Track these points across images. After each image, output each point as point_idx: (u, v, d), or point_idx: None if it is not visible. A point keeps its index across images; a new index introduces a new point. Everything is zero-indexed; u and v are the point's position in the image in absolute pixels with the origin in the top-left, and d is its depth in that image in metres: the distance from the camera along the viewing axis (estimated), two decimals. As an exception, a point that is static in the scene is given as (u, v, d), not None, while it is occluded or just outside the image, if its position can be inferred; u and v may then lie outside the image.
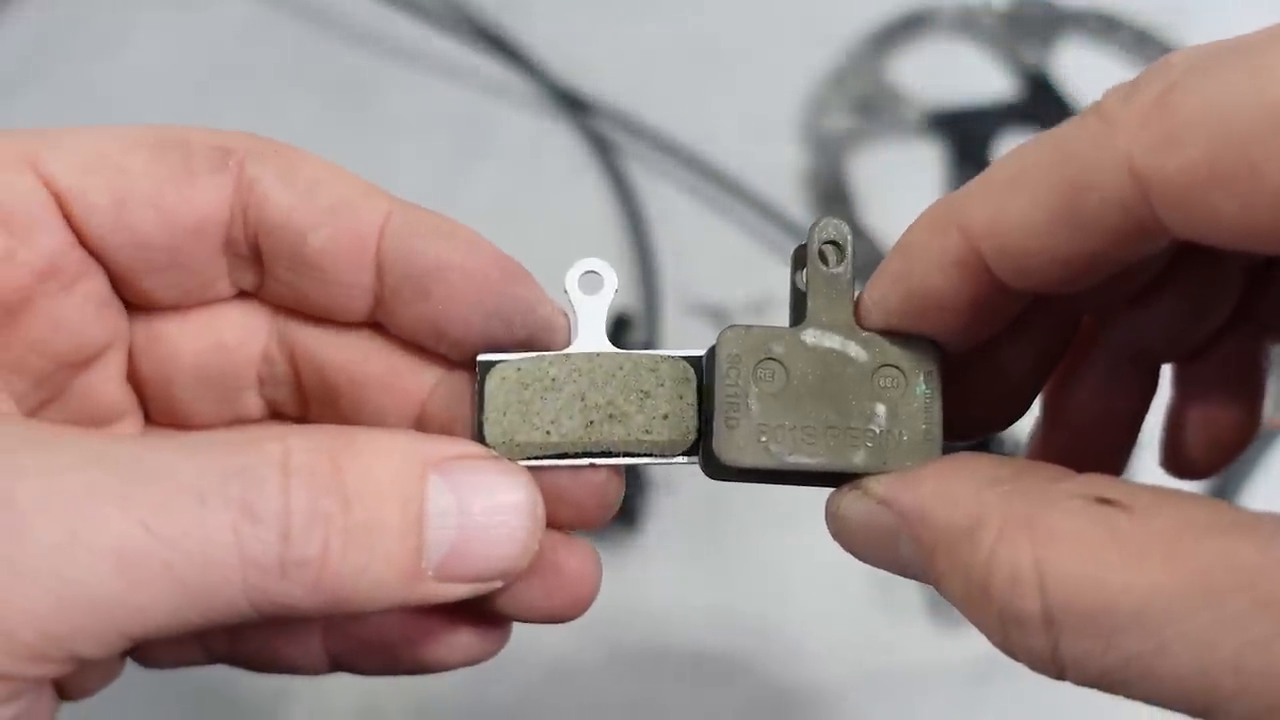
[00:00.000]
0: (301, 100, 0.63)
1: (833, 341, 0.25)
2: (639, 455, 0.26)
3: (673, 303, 0.55)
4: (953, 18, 0.64)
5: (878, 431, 0.25)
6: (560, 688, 0.48)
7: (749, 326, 0.25)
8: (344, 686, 0.47)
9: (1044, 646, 0.21)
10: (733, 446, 0.25)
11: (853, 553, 0.25)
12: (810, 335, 0.25)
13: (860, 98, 0.61)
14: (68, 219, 0.25)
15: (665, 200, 0.59)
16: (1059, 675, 0.21)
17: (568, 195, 0.60)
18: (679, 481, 0.51)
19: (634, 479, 0.50)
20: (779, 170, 0.59)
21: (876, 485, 0.24)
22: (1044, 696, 0.46)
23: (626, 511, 0.49)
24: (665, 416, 0.26)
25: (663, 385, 0.26)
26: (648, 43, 0.64)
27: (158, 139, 0.26)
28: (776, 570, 0.49)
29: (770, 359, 0.25)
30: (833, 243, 0.26)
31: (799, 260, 0.26)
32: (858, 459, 0.25)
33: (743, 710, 0.47)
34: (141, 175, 0.25)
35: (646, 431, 0.26)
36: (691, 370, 0.26)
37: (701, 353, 0.26)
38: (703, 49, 0.64)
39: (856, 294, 0.26)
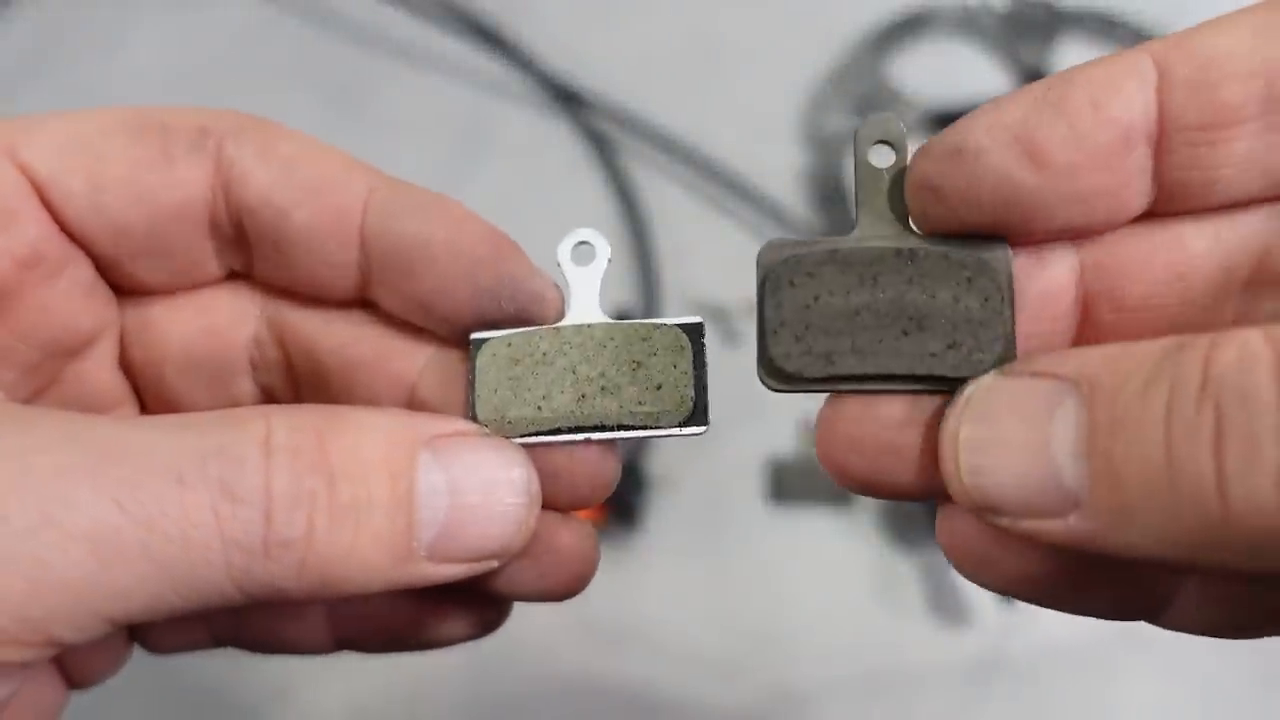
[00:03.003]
0: (301, 100, 0.63)
1: (883, 244, 0.24)
2: (633, 428, 0.25)
3: (673, 303, 0.55)
4: (952, 18, 0.64)
5: (950, 338, 0.23)
6: (559, 686, 0.48)
7: (786, 241, 0.24)
8: (340, 688, 0.47)
9: (1270, 423, 0.17)
10: (788, 356, 0.23)
11: (981, 446, 0.21)
12: (859, 243, 0.24)
13: (860, 98, 0.61)
14: (47, 207, 0.25)
15: (665, 199, 0.59)
16: (1278, 471, 0.17)
17: (568, 193, 0.60)
18: (679, 480, 0.51)
19: (634, 478, 0.50)
20: (779, 169, 0.59)
21: (1026, 364, 0.22)
22: (1044, 696, 0.46)
23: (626, 511, 0.49)
24: (659, 387, 0.25)
25: (655, 355, 0.25)
26: (648, 41, 0.64)
27: (135, 121, 0.26)
28: (776, 570, 0.49)
29: (812, 271, 0.24)
30: (884, 142, 0.24)
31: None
32: (937, 364, 0.23)
33: (742, 709, 0.47)
34: (118, 160, 0.25)
35: (640, 403, 0.25)
36: (685, 338, 0.26)
37: (695, 319, 0.26)
38: (703, 48, 0.64)
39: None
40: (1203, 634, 0.24)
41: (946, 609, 0.48)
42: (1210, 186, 0.22)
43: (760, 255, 0.24)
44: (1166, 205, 0.23)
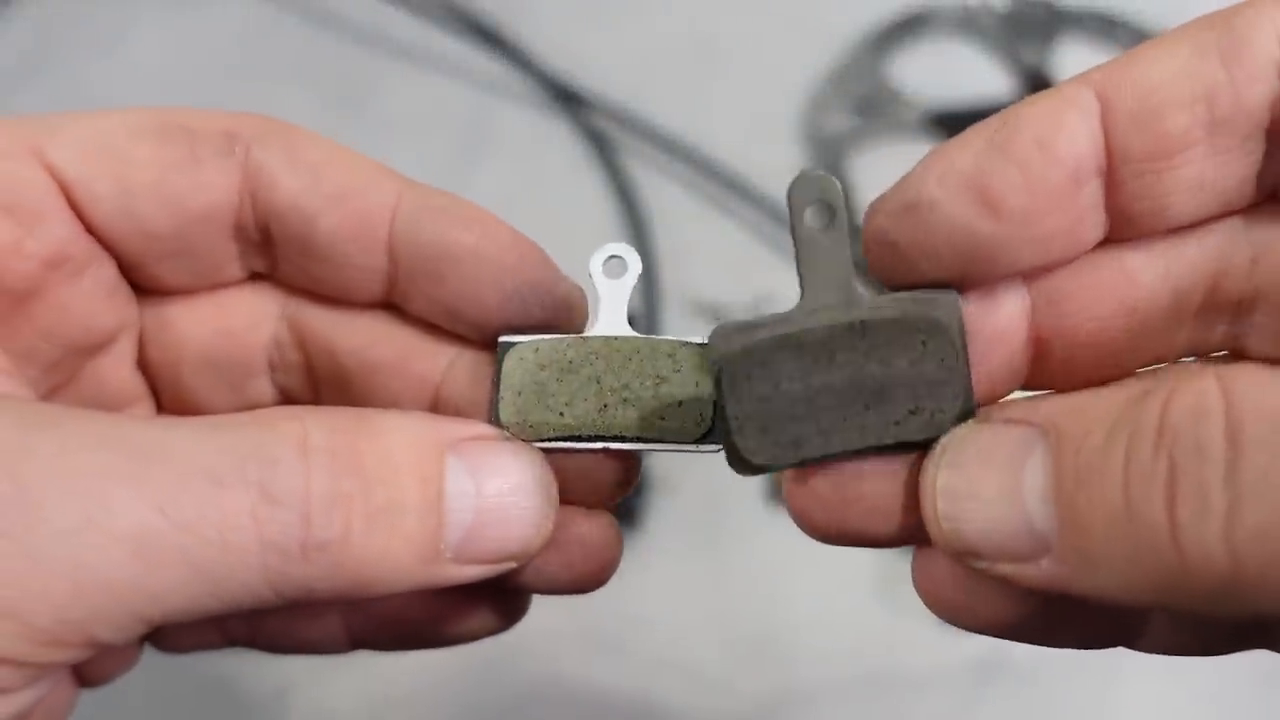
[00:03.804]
0: (301, 100, 0.63)
1: (834, 320, 0.23)
2: (652, 441, 0.26)
3: (673, 302, 0.55)
4: (952, 18, 0.64)
5: (912, 404, 0.23)
6: (559, 687, 0.48)
7: (735, 325, 0.24)
8: (341, 688, 0.47)
9: (1219, 474, 0.18)
10: (757, 450, 0.23)
11: (958, 494, 0.22)
12: (808, 317, 0.23)
13: (860, 98, 0.61)
14: (73, 208, 0.25)
15: (665, 199, 0.59)
16: (1227, 518, 0.18)
17: (568, 193, 0.60)
18: (679, 481, 0.51)
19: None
20: (779, 169, 0.59)
21: (1001, 412, 0.22)
22: (1043, 696, 0.46)
23: (626, 512, 0.49)
24: (680, 403, 0.26)
25: (679, 371, 0.26)
26: (647, 41, 0.64)
27: (162, 123, 0.26)
28: (776, 570, 0.49)
29: (766, 361, 0.23)
30: (820, 201, 0.24)
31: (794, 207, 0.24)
32: (901, 432, 0.23)
33: (742, 710, 0.47)
34: (146, 163, 0.25)
35: (660, 417, 0.26)
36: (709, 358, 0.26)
37: None
38: (702, 47, 0.64)
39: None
40: (1176, 654, 0.24)
41: (947, 609, 0.48)
42: (1162, 213, 0.22)
43: (712, 342, 0.24)
44: (1120, 234, 0.23)
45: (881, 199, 0.23)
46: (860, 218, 0.24)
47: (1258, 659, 0.47)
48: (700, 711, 0.47)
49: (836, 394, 0.23)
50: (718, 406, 0.24)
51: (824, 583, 0.49)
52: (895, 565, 0.49)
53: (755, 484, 0.51)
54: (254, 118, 0.26)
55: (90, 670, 0.28)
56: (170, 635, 0.29)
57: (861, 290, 0.24)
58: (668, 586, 0.49)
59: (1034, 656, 0.47)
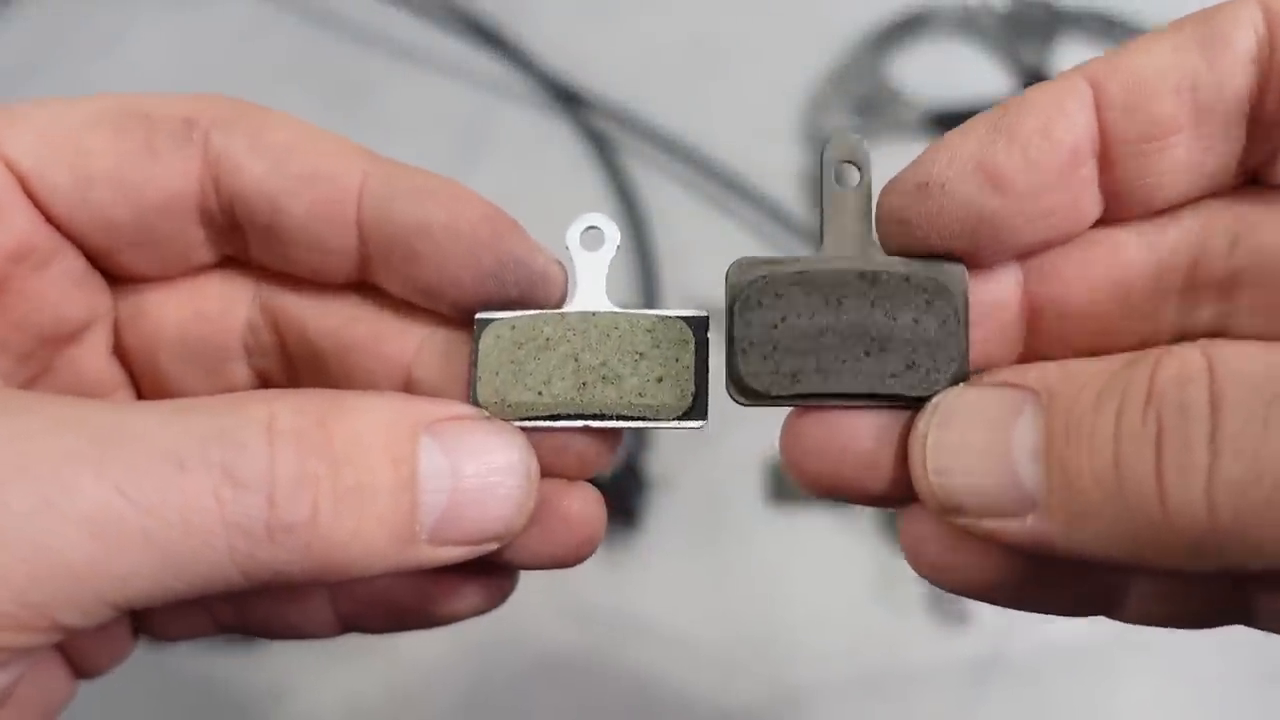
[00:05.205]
0: (301, 99, 0.63)
1: (848, 266, 0.25)
2: (632, 419, 0.25)
3: (672, 302, 0.55)
4: (952, 18, 0.64)
5: (909, 359, 0.24)
6: (558, 686, 0.48)
7: (755, 260, 0.25)
8: (339, 684, 0.47)
9: (1203, 434, 0.19)
10: (756, 375, 0.24)
11: (947, 448, 0.23)
12: (824, 263, 0.25)
13: (860, 97, 0.61)
14: (32, 199, 0.25)
15: (665, 199, 0.59)
16: (1209, 474, 0.19)
17: (568, 193, 0.60)
18: (678, 480, 0.51)
19: (634, 478, 0.50)
20: (779, 169, 0.59)
21: (991, 376, 0.24)
22: (1044, 696, 0.46)
23: (626, 511, 0.49)
24: (660, 379, 0.25)
25: (658, 347, 0.25)
26: (647, 41, 0.64)
27: (120, 112, 0.25)
28: (776, 570, 0.49)
29: (780, 293, 0.24)
30: (849, 162, 0.25)
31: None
32: (896, 384, 0.24)
33: (742, 709, 0.47)
34: (103, 154, 0.25)
35: (640, 394, 0.25)
36: (689, 330, 0.26)
37: (700, 313, 0.26)
38: (703, 47, 0.64)
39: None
40: (1160, 625, 0.25)
41: (946, 609, 0.48)
42: (1152, 192, 0.24)
43: (729, 274, 0.25)
44: (1113, 215, 0.24)
45: (895, 180, 0.24)
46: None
47: (1258, 658, 0.48)
48: (700, 710, 0.47)
49: (840, 336, 0.24)
50: (727, 331, 0.25)
51: (823, 582, 0.49)
52: (894, 565, 0.49)
53: (755, 483, 0.51)
54: (216, 101, 0.26)
55: (84, 660, 0.28)
56: (159, 622, 0.29)
57: (876, 249, 0.25)
58: (668, 585, 0.49)
59: (1033, 655, 0.47)
